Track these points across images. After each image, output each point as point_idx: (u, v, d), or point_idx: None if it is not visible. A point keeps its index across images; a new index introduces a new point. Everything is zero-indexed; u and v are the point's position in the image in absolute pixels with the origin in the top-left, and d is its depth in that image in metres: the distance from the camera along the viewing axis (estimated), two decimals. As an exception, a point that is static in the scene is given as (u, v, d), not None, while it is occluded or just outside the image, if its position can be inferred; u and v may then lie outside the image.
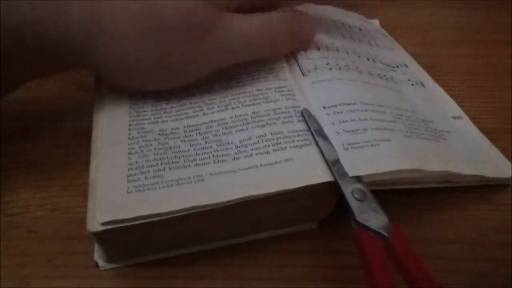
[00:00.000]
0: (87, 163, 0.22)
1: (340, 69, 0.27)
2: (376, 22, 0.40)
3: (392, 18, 0.42)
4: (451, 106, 0.30)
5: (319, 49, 0.29)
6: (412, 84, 0.30)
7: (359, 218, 0.19)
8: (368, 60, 0.30)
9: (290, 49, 0.28)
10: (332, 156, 0.22)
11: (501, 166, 0.26)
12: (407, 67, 0.32)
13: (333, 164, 0.21)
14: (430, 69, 0.34)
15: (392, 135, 0.24)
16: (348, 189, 0.20)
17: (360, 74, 0.28)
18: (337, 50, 0.29)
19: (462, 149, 0.26)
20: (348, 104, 0.25)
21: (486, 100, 0.32)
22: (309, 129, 0.23)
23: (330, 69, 0.27)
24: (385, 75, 0.30)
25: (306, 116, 0.24)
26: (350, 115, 0.24)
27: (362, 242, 0.18)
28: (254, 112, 0.24)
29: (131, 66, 0.23)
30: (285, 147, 0.22)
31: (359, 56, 0.30)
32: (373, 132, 0.23)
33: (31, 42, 0.22)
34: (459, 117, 0.29)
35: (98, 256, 0.21)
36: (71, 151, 0.27)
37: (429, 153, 0.24)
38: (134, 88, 0.25)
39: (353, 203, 0.20)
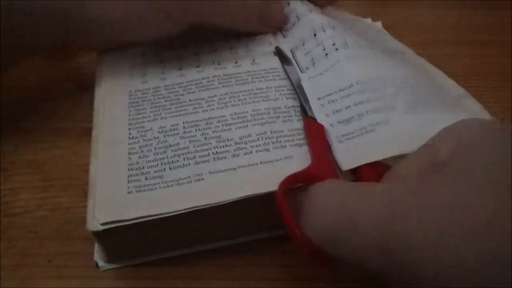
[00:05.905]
0: (87, 163, 0.22)
1: (337, 49, 0.27)
2: (378, 24, 0.40)
3: (392, 18, 0.42)
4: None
5: (315, 35, 0.28)
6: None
7: (310, 113, 0.24)
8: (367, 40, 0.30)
9: (260, 30, 0.31)
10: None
11: None
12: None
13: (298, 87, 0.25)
14: (430, 69, 0.34)
15: (391, 115, 0.23)
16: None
17: (361, 48, 0.27)
18: (333, 28, 0.28)
19: None
20: (343, 90, 0.24)
21: (486, 100, 0.32)
22: (282, 67, 0.26)
23: (326, 54, 0.27)
24: (387, 49, 0.29)
25: (278, 55, 0.26)
26: (345, 101, 0.24)
27: (309, 127, 0.23)
28: (254, 110, 0.24)
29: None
30: (285, 146, 0.22)
31: (358, 37, 0.29)
32: (369, 116, 0.23)
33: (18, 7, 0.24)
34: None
35: (98, 256, 0.21)
36: (71, 151, 0.27)
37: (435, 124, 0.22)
38: (125, 40, 0.28)
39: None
